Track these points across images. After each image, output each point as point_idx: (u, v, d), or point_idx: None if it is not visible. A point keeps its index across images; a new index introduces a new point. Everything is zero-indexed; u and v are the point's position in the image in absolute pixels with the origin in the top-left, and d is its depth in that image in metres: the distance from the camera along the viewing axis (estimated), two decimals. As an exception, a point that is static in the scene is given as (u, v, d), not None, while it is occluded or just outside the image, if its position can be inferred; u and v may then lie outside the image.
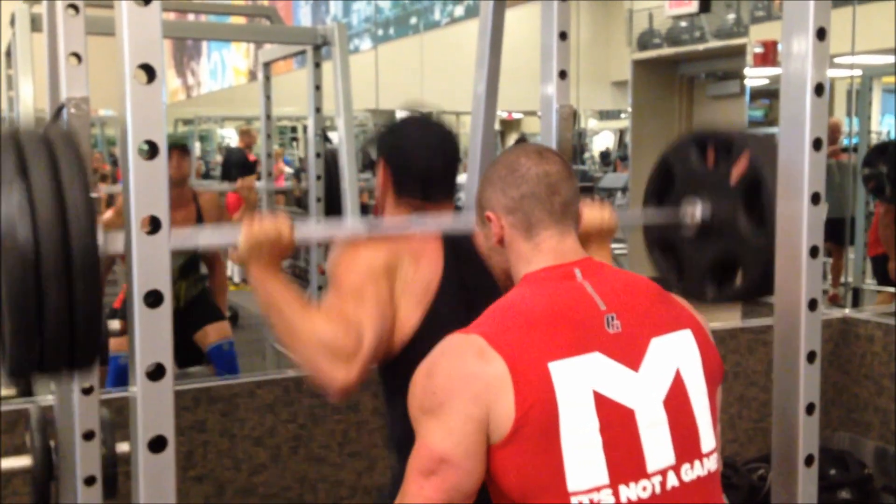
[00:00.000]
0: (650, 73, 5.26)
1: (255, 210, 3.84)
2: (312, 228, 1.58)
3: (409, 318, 1.54)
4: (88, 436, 1.81)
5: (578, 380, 1.15)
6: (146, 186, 1.14)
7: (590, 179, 11.10)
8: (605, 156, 13.21)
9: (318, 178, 3.76)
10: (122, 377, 3.38)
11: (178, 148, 3.48)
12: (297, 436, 2.88)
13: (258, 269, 1.46)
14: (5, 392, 3.00)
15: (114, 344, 3.39)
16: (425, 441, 1.17)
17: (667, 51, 5.00)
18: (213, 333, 3.71)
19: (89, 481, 1.84)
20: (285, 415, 2.86)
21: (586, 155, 13.13)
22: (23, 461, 2.13)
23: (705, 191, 1.81)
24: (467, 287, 1.58)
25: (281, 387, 2.88)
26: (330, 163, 3.77)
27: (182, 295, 3.63)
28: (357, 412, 2.89)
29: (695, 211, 1.84)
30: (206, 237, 1.60)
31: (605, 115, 13.45)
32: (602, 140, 13.97)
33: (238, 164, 8.69)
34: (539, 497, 1.13)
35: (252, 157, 8.84)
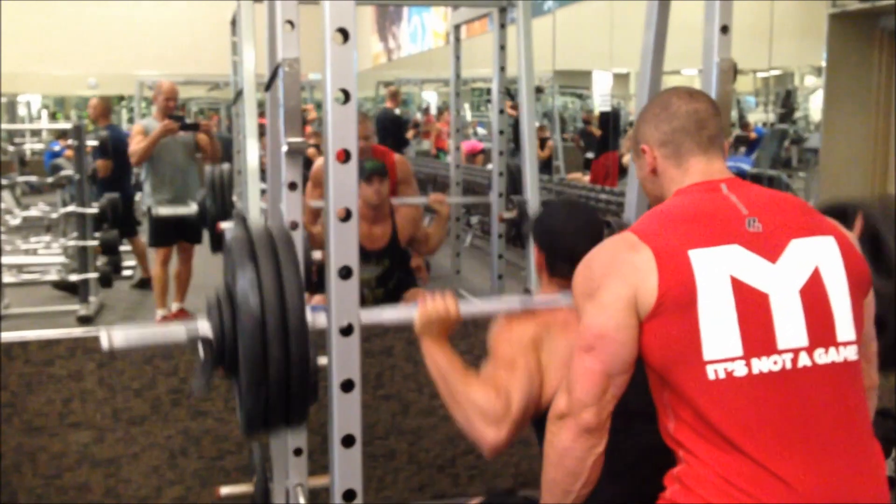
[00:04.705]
0: (847, 27, 5.06)
1: (447, 222, 3.94)
2: (475, 305, 1.81)
3: (556, 380, 1.71)
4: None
5: (717, 265, 1.32)
6: (341, 126, 1.42)
7: (797, 140, 10.60)
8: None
9: (501, 132, 4.00)
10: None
11: (378, 173, 3.53)
12: (475, 367, 3.14)
13: (429, 342, 1.74)
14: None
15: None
16: (585, 321, 1.39)
17: (865, 3, 4.79)
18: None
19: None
20: (463, 347, 3.11)
21: (797, 114, 12.43)
22: (243, 488, 2.63)
23: None
24: None
25: (462, 324, 3.14)
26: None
27: (380, 299, 3.80)
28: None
29: None
30: (389, 314, 1.83)
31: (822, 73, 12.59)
32: (817, 99, 13.15)
33: (390, 129, 8.12)
34: (679, 365, 1.31)
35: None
